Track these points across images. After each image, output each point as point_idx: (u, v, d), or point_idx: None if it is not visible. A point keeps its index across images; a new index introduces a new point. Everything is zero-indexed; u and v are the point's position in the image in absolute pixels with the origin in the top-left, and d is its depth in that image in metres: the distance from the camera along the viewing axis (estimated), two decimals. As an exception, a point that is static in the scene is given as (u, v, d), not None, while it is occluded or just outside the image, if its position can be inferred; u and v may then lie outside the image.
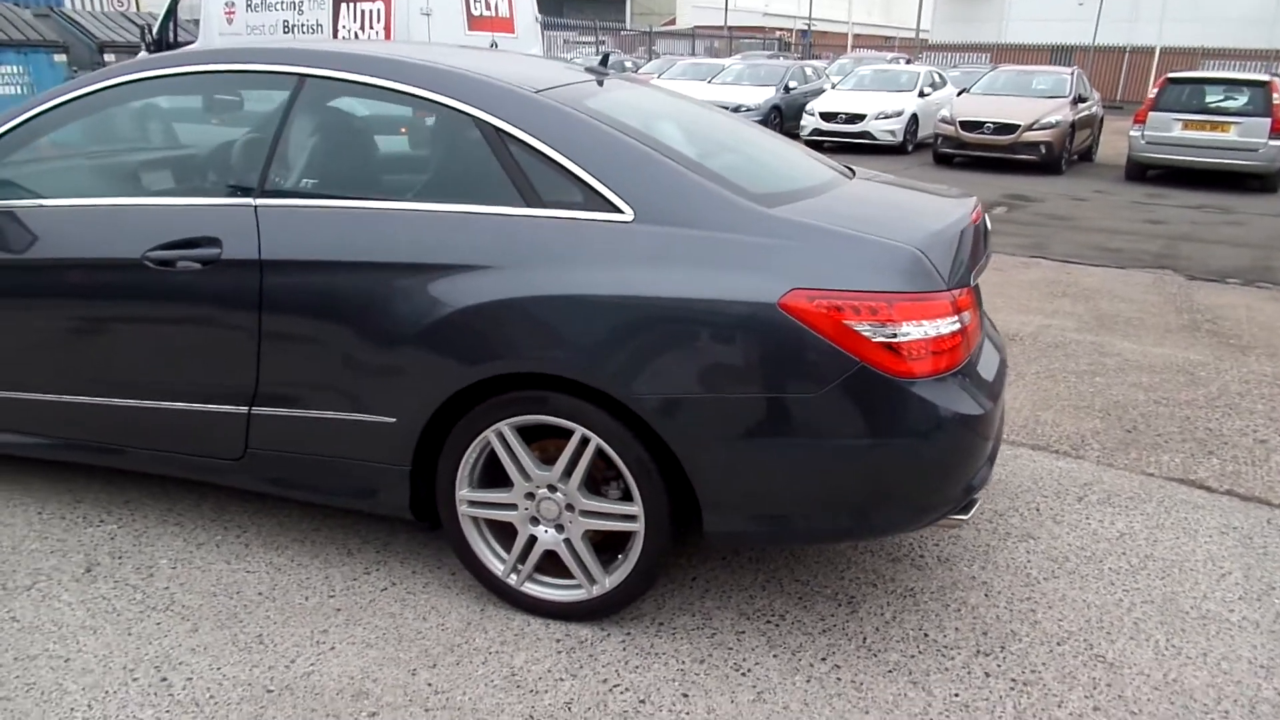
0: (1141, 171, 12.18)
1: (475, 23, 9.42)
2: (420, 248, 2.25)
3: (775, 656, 2.28)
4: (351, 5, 9.22)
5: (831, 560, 2.70)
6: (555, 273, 2.15)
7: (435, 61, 2.44)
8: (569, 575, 2.36)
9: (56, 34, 12.51)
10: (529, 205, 2.24)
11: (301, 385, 2.39)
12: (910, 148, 14.84)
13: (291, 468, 2.51)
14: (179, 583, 2.53)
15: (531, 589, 2.39)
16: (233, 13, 10.05)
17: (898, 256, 2.07)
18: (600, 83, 2.70)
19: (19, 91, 11.72)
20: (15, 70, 11.65)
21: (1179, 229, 8.71)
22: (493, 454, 2.34)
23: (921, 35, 42.55)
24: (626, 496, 2.28)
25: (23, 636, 2.28)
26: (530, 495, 2.32)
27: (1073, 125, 12.77)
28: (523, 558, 2.38)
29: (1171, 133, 11.57)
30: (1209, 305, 5.90)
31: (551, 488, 2.30)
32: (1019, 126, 12.44)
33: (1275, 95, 11.06)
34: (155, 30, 10.86)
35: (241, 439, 2.51)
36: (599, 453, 2.22)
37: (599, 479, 2.31)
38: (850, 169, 2.82)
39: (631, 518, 2.24)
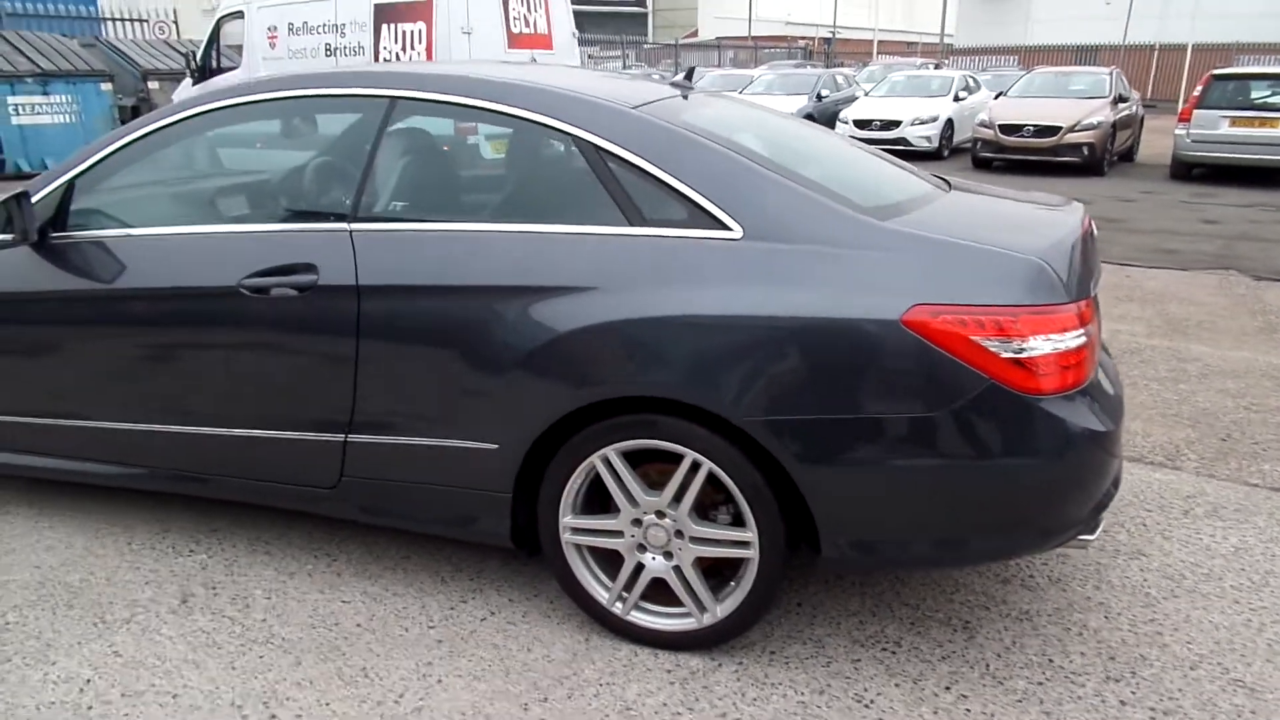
0: (1187, 170, 11.96)
1: (515, 40, 9.44)
2: (522, 270, 2.20)
3: (897, 686, 2.19)
4: (392, 26, 9.28)
5: (938, 583, 2.61)
6: (664, 293, 2.09)
7: (528, 80, 2.40)
8: (677, 603, 2.30)
9: (103, 63, 12.72)
10: (632, 224, 2.18)
11: (400, 412, 2.35)
12: (946, 153, 14.70)
13: (387, 495, 2.47)
14: (276, 614, 2.49)
15: (638, 618, 2.33)
16: (275, 37, 10.17)
17: (1022, 267, 1.99)
18: (685, 98, 2.64)
19: (69, 120, 11.92)
20: (65, 100, 11.85)
21: (1235, 228, 8.52)
22: (596, 479, 2.29)
23: (946, 39, 42.30)
24: (737, 521, 2.21)
25: (128, 672, 2.25)
26: (637, 521, 2.26)
27: (1114, 126, 12.58)
28: (629, 586, 2.32)
29: (1219, 130, 11.35)
30: (1282, 307, 5.74)
31: (659, 514, 2.23)
32: (1060, 129, 12.26)
33: (1327, 89, 10.81)
34: (199, 57, 10.99)
35: (337, 467, 2.48)
36: (708, 477, 2.15)
37: (706, 503, 2.25)
38: (945, 180, 2.74)
39: (744, 544, 2.17)
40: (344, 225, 2.38)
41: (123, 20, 16.51)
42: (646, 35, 47.12)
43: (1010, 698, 2.15)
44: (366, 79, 2.49)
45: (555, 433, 2.26)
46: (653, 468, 2.26)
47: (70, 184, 2.67)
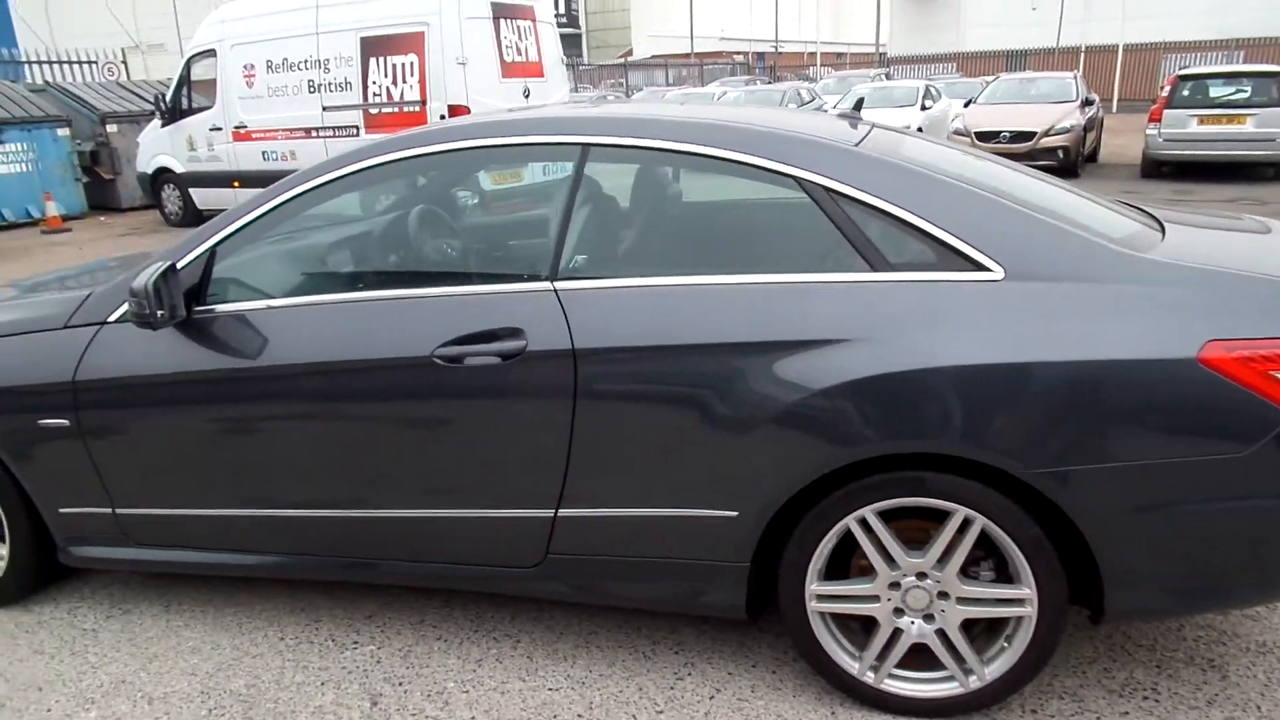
0: (1157, 168, 12.30)
1: (508, 69, 9.28)
2: (759, 324, 2.06)
3: (1181, 739, 2.09)
4: (382, 60, 9.04)
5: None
6: (927, 341, 1.96)
7: (734, 120, 2.26)
8: (934, 667, 2.16)
9: (57, 108, 12.15)
10: (875, 269, 2.06)
11: (621, 483, 2.18)
12: (918, 161, 14.86)
13: (601, 571, 2.29)
14: (483, 710, 2.28)
15: (892, 685, 2.18)
16: (253, 75, 9.84)
17: (1301, 296, 1.91)
18: (854, 126, 2.53)
19: (25, 169, 11.35)
20: (20, 148, 11.27)
21: (1232, 224, 8.72)
22: (842, 542, 2.14)
23: (880, 48, 43.22)
24: (1001, 578, 2.09)
25: (352, 794, 2.03)
26: (895, 584, 2.12)
27: (1084, 128, 12.88)
28: (883, 653, 2.18)
29: (1188, 129, 11.68)
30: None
31: (921, 574, 2.10)
32: (1036, 133, 12.51)
33: (1289, 85, 11.22)
34: (169, 98, 10.58)
35: (543, 543, 2.29)
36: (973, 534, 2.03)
37: (967, 560, 2.12)
38: (1138, 207, 2.66)
39: (1019, 601, 2.05)
40: (546, 285, 2.21)
41: (56, 63, 15.75)
42: (582, 56, 47.22)
43: (1302, 742, 2.06)
44: (555, 125, 2.32)
45: (802, 496, 2.12)
46: (903, 524, 2.13)
47: (212, 251, 2.45)
